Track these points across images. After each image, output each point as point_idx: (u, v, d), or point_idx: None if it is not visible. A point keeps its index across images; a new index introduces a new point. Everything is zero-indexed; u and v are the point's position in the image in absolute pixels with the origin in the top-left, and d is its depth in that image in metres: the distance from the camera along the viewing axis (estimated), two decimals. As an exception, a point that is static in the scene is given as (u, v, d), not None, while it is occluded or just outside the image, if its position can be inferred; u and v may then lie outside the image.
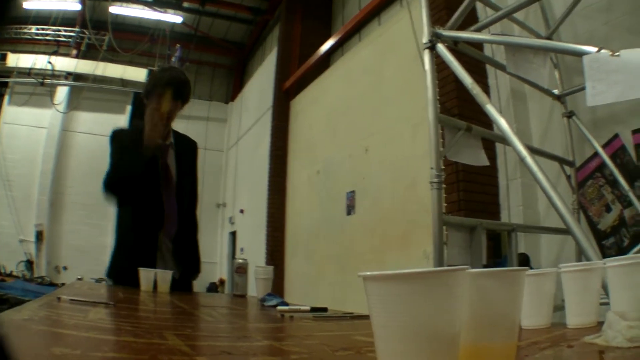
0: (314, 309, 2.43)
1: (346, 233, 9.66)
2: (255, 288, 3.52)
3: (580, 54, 3.41)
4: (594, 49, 3.33)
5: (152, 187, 3.54)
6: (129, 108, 18.30)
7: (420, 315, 0.71)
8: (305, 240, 11.62)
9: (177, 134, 3.82)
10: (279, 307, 2.52)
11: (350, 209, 9.66)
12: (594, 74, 3.29)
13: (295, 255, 12.15)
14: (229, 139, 19.91)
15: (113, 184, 3.40)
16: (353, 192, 9.61)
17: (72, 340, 1.13)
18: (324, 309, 2.49)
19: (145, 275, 3.16)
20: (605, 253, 5.09)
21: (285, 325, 1.99)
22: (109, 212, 15.67)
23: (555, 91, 5.64)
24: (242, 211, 16.79)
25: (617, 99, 3.21)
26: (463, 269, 0.76)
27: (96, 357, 0.96)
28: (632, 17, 4.93)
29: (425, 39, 4.55)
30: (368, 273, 0.75)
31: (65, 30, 17.76)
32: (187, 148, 3.89)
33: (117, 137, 3.55)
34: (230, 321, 2.22)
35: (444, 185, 4.31)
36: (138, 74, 17.90)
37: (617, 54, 3.20)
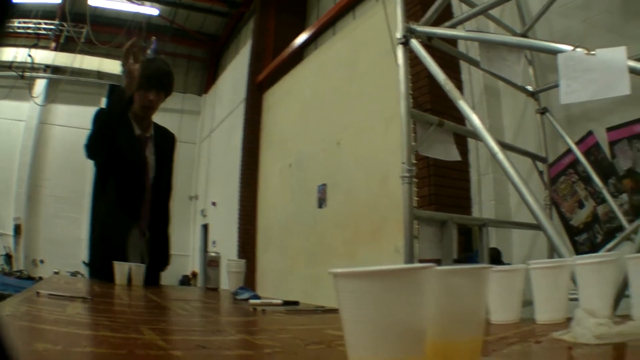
0: (286, 303, 2.45)
1: (318, 226, 9.63)
2: (227, 281, 3.54)
3: (555, 52, 3.44)
4: (569, 47, 3.36)
5: (136, 169, 3.56)
6: (104, 100, 18.11)
7: (390, 312, 0.72)
8: (276, 233, 11.57)
9: (157, 127, 3.82)
10: (252, 301, 2.54)
11: (321, 202, 9.63)
12: (568, 72, 3.32)
13: (267, 249, 12.09)
14: (202, 132, 19.77)
15: (96, 129, 3.36)
16: (324, 185, 9.58)
17: (53, 335, 1.14)
18: (296, 303, 2.52)
19: (120, 269, 3.17)
20: (578, 249, 5.13)
21: (258, 319, 2.01)
22: (84, 204, 15.69)
23: (529, 88, 5.66)
24: (214, 204, 16.70)
25: (591, 98, 3.25)
26: (432, 267, 0.77)
27: (76, 352, 0.97)
28: (611, 15, 4.94)
29: (399, 34, 4.54)
30: (339, 270, 0.75)
31: (46, 23, 17.55)
32: (166, 140, 3.90)
33: (101, 115, 3.52)
34: (203, 315, 2.24)
35: (415, 180, 4.33)
36: (114, 66, 17.70)
37: (592, 52, 3.24)
